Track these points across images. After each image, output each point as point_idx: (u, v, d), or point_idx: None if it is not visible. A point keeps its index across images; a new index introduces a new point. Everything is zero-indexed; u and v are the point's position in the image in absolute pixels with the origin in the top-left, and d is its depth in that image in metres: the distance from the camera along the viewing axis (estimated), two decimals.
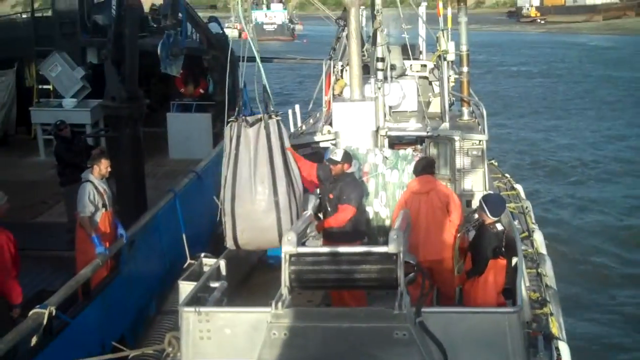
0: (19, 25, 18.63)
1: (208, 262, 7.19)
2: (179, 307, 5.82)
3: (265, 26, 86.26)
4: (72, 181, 10.92)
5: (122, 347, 6.80)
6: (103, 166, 8.58)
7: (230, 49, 17.63)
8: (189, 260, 9.17)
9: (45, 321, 6.18)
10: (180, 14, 17.10)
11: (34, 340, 6.19)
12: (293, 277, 5.53)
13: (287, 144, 7.10)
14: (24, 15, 19.10)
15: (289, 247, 5.57)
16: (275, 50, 44.41)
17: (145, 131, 11.66)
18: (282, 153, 6.96)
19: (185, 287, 6.39)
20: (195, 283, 6.28)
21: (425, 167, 7.69)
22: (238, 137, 7.02)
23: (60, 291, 6.72)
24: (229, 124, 7.13)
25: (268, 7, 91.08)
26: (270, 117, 7.03)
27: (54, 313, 6.26)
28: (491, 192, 9.67)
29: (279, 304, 5.38)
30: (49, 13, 17.99)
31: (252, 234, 6.80)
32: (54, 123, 11.37)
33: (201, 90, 17.83)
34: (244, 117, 7.06)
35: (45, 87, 17.20)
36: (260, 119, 7.00)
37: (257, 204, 6.76)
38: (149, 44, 15.65)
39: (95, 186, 8.41)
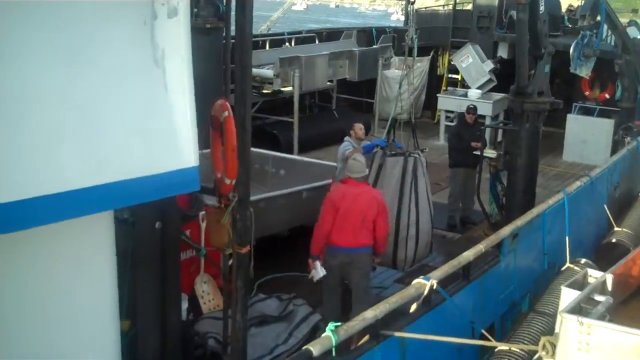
0: (441, 17, 19.82)
1: (593, 274, 6.86)
2: (559, 313, 5.64)
3: None
4: (456, 164, 11.48)
5: (490, 337, 6.85)
6: (357, 129, 9.58)
7: None
8: (567, 264, 8.90)
9: (426, 292, 6.51)
10: (599, 16, 16.43)
11: (413, 307, 6.58)
12: None
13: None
14: (447, 8, 20.24)
15: None
16: None
17: (543, 130, 11.56)
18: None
19: (568, 294, 6.17)
20: (578, 292, 6.04)
21: None
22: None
23: (443, 267, 6.99)
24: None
25: None
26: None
27: (435, 286, 6.55)
28: None
29: None
30: (469, 7, 18.77)
31: None
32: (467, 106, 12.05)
33: (607, 95, 17.02)
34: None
35: (453, 76, 18.13)
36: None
37: None
38: (560, 43, 15.37)
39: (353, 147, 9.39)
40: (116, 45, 3.66)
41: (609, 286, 6.48)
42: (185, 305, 6.34)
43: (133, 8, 3.70)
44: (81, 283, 4.11)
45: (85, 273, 4.14)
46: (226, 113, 4.79)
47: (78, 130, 3.55)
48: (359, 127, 9.77)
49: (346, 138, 9.82)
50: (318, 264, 7.57)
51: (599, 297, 6.01)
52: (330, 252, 7.54)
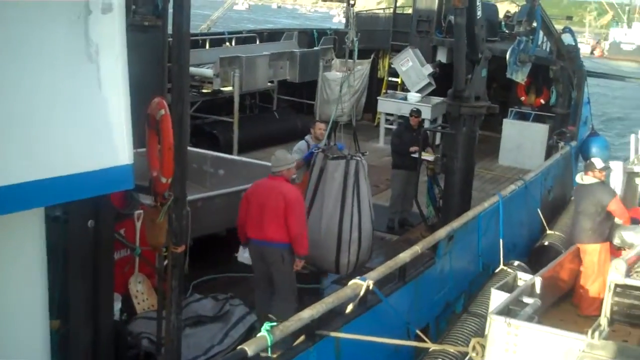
0: (381, 21, 19.98)
1: (523, 277, 7.06)
2: (488, 315, 5.79)
3: (622, 45, 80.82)
4: (397, 166, 11.62)
5: (425, 338, 6.95)
6: (317, 128, 9.55)
7: (580, 62, 17.05)
8: (501, 266, 9.13)
9: (362, 293, 6.57)
10: (535, 22, 16.86)
11: (349, 307, 6.63)
12: (615, 309, 5.19)
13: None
14: (387, 11, 20.44)
15: (616, 276, 5.22)
16: (631, 72, 41.12)
17: (480, 134, 11.79)
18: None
19: (498, 296, 6.33)
20: (508, 294, 6.20)
21: None
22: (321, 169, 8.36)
23: (379, 268, 7.08)
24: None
25: (629, 26, 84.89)
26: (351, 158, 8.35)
27: (371, 287, 6.61)
28: None
29: (596, 334, 5.08)
30: (410, 11, 19.01)
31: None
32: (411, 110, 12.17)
33: (542, 101, 17.48)
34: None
35: (393, 79, 18.32)
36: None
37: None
38: (497, 48, 15.71)
39: (309, 146, 9.39)
40: (48, 40, 3.57)
41: (538, 289, 6.68)
42: (118, 305, 6.23)
43: (67, 3, 3.63)
44: (9, 281, 3.99)
45: (14, 271, 4.02)
46: (162, 111, 4.75)
47: (9, 126, 3.45)
48: (318, 127, 9.64)
49: (306, 136, 9.80)
50: (241, 248, 7.73)
51: (527, 300, 6.18)
52: (248, 243, 7.59)
